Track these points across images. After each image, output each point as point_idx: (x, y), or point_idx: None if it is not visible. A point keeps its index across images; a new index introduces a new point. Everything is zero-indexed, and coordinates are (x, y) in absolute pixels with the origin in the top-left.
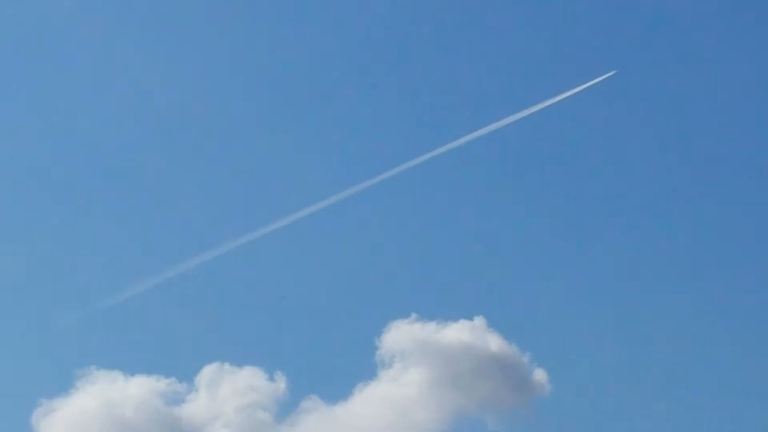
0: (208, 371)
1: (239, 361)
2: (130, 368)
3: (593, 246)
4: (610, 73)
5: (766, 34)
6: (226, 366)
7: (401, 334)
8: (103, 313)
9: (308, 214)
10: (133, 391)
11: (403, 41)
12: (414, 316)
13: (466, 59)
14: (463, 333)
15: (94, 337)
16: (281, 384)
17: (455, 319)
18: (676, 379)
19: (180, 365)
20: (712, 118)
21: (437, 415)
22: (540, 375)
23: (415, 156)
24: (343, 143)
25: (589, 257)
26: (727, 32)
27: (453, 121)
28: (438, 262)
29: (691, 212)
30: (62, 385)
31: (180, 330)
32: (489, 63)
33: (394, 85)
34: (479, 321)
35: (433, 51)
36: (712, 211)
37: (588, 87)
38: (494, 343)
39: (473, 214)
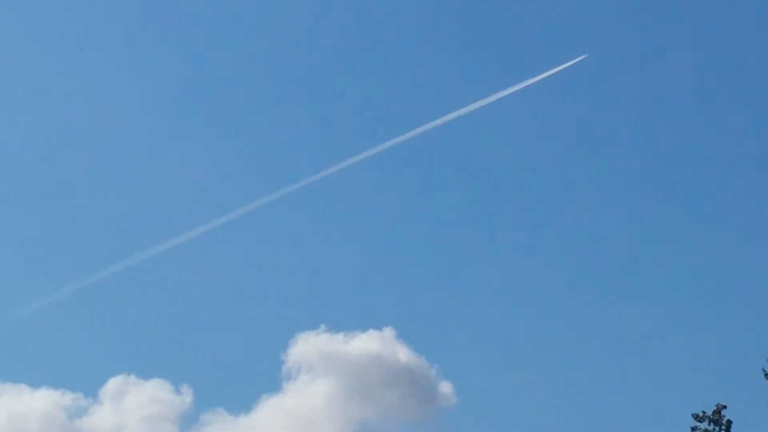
0: (114, 383)
1: (145, 374)
2: (36, 381)
3: (504, 260)
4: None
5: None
6: (132, 378)
7: (308, 346)
8: (8, 327)
9: (214, 226)
10: (38, 404)
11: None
12: (323, 327)
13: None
14: (371, 343)
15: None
16: (187, 396)
17: (364, 329)
18: (582, 393)
19: (86, 377)
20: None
21: (342, 425)
22: (446, 387)
23: (327, 166)
24: (249, 154)
25: (500, 272)
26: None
27: (373, 127)
28: (348, 272)
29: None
30: None
31: (86, 342)
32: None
33: (311, 86)
34: (388, 331)
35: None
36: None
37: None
38: (402, 353)
39: (384, 225)
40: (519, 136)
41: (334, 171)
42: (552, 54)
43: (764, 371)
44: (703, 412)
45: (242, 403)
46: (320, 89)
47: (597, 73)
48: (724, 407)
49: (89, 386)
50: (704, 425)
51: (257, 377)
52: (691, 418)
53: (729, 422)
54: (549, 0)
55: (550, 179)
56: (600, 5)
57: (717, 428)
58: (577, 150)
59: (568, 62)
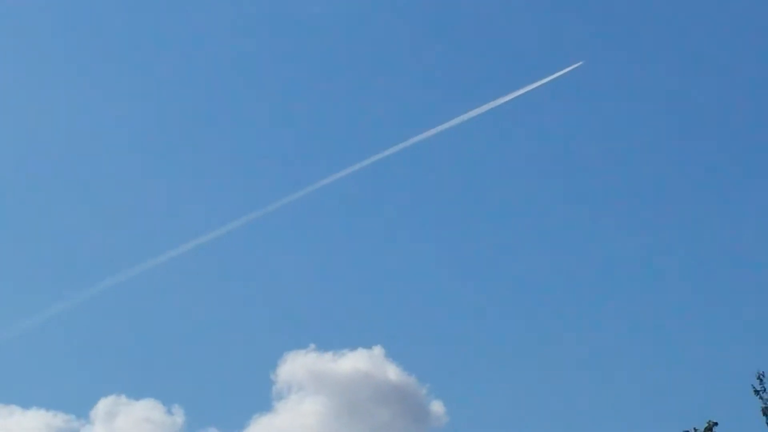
0: (104, 404)
1: (136, 394)
2: (26, 402)
3: (495, 278)
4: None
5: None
6: (123, 398)
7: (297, 365)
8: None
9: (202, 243)
10: (29, 425)
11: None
12: (312, 345)
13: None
14: (360, 362)
15: None
16: (179, 416)
17: (353, 348)
18: (573, 411)
19: (76, 398)
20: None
21: None
22: (437, 406)
23: (313, 182)
24: (237, 172)
25: (492, 290)
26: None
27: (358, 140)
28: (337, 291)
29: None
30: None
31: (77, 362)
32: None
33: (299, 100)
34: (378, 350)
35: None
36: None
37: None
38: (392, 372)
39: (373, 242)
40: (514, 145)
41: (321, 187)
42: (548, 61)
43: (754, 388)
44: (695, 429)
45: (234, 422)
46: (309, 101)
47: (593, 79)
48: (716, 424)
49: (80, 407)
50: None
51: (248, 396)
52: None
53: None
54: (545, 6)
55: (545, 191)
56: (596, 11)
57: None
58: (573, 157)
59: (564, 69)
